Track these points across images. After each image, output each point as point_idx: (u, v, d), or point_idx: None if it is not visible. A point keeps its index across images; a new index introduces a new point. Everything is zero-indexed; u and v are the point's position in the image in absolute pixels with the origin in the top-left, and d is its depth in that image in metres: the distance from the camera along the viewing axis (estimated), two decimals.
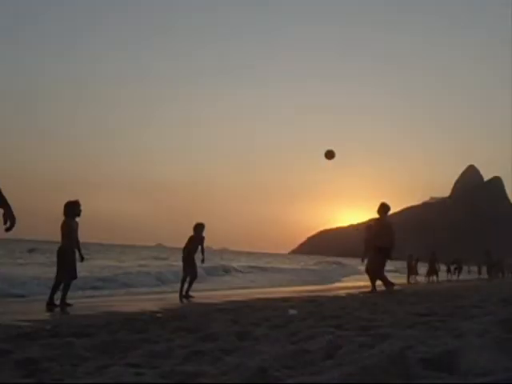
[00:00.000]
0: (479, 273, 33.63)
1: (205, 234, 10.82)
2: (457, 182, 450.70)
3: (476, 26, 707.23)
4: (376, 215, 10.85)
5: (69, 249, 8.04)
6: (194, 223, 10.89)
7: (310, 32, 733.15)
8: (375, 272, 10.40)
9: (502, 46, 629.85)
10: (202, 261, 10.68)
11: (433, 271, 24.63)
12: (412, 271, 22.86)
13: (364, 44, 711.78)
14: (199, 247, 10.71)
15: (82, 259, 8.33)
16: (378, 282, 10.78)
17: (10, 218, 4.38)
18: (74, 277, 8.12)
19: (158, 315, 6.02)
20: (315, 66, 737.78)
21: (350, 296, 9.57)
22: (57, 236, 8.11)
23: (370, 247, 11.36)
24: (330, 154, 10.07)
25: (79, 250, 8.16)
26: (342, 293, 11.02)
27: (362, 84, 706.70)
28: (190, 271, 10.56)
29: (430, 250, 28.45)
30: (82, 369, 2.69)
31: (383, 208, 10.71)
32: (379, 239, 10.32)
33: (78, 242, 8.22)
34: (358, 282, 18.10)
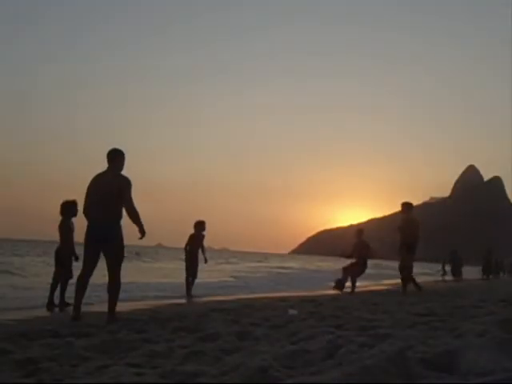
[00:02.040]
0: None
1: (205, 232, 10.74)
2: (457, 182, 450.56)
3: (476, 26, 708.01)
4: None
5: (68, 249, 8.04)
6: (194, 222, 10.80)
7: (310, 32, 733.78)
8: (404, 268, 10.20)
9: (502, 46, 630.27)
10: (205, 261, 10.60)
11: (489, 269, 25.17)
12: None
13: (364, 44, 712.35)
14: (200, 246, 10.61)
15: (77, 259, 8.35)
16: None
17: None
18: (71, 277, 8.11)
19: (158, 315, 6.02)
20: (315, 66, 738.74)
21: (350, 296, 9.57)
22: (51, 235, 8.13)
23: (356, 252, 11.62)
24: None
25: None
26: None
27: (362, 84, 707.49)
28: (191, 271, 10.49)
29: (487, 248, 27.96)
30: (81, 369, 2.69)
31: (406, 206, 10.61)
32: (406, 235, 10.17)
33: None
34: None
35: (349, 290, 11.02)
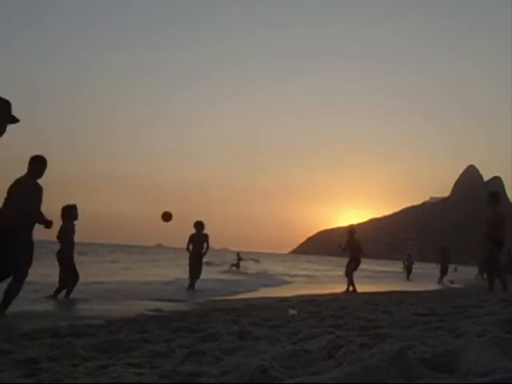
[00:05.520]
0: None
1: (206, 231, 10.84)
2: (457, 182, 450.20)
3: (476, 26, 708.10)
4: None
5: (68, 252, 8.17)
6: (193, 222, 10.93)
7: (310, 32, 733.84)
8: (487, 265, 9.69)
9: (503, 46, 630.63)
10: (203, 255, 10.81)
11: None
12: (409, 270, 23.03)
13: (364, 44, 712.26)
14: (204, 244, 10.81)
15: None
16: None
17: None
18: (77, 279, 8.23)
19: (158, 315, 6.02)
20: (315, 67, 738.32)
21: (350, 296, 9.57)
22: (51, 235, 8.14)
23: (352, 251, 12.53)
24: (166, 216, 8.79)
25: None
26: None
27: (361, 84, 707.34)
28: (196, 270, 10.64)
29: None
30: (81, 369, 2.69)
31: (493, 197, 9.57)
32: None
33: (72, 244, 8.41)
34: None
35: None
